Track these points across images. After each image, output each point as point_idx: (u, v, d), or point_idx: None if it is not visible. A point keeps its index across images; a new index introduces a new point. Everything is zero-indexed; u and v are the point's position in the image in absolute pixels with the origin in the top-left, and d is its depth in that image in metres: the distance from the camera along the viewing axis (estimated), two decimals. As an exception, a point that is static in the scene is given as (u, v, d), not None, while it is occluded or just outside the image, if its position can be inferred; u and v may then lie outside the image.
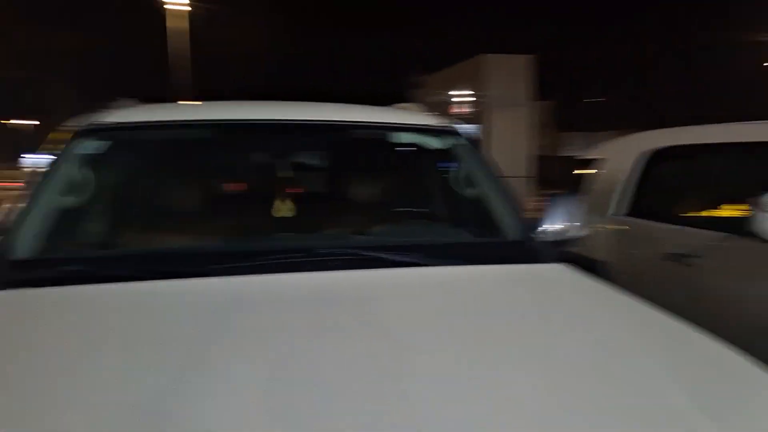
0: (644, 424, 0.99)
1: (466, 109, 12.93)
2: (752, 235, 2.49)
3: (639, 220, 3.56)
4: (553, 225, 2.05)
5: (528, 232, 1.95)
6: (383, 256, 1.64)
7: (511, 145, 11.70)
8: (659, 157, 3.71)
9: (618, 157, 4.00)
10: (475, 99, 12.75)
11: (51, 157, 1.90)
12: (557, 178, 6.99)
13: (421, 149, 2.31)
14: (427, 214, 2.30)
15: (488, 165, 2.22)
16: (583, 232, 2.16)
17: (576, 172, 4.56)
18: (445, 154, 2.28)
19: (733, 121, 3.45)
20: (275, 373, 1.04)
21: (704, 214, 3.31)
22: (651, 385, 1.09)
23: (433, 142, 2.27)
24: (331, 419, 0.92)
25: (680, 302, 2.30)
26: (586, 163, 4.50)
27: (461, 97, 13.69)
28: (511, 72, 12.36)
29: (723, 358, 1.23)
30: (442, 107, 12.95)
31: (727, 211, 3.21)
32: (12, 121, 44.73)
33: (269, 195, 2.08)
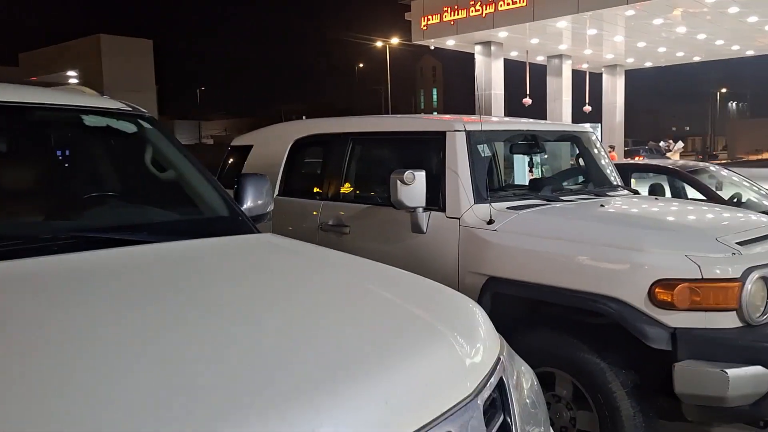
0: (399, 322, 1.40)
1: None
2: (391, 205, 3.19)
3: (295, 199, 4.08)
4: (246, 203, 2.32)
5: (232, 209, 2.18)
6: (120, 236, 1.68)
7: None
8: (301, 145, 4.31)
9: (271, 145, 4.46)
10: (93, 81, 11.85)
11: None
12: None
13: (112, 133, 2.28)
14: (124, 196, 2.30)
15: (182, 148, 2.34)
16: (270, 208, 2.49)
17: (229, 159, 4.88)
18: (137, 138, 2.31)
19: (343, 114, 4.26)
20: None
21: (344, 191, 4.01)
22: (385, 303, 1.50)
23: (123, 126, 2.27)
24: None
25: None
26: (237, 150, 4.86)
27: (78, 78, 12.55)
28: (134, 55, 11.88)
29: (412, 279, 1.72)
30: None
31: (349, 188, 3.95)
32: None
33: None
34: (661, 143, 31.27)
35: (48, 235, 1.67)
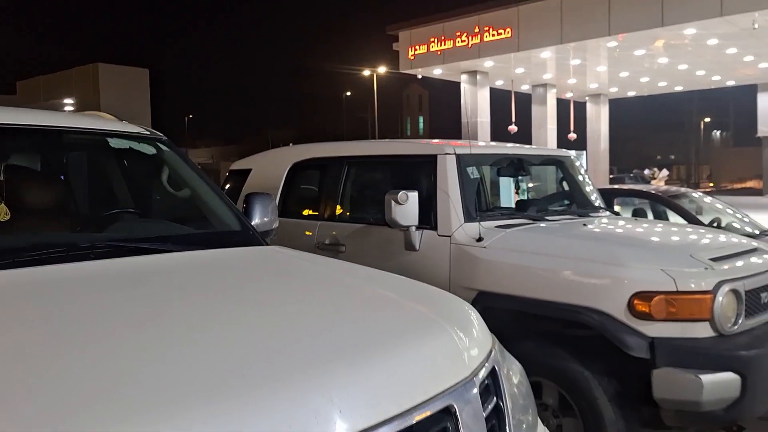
0: (404, 315, 1.58)
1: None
2: (385, 224, 3.36)
3: (292, 220, 4.24)
4: (254, 219, 2.49)
5: (243, 224, 2.34)
6: (151, 246, 1.87)
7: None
8: (298, 168, 4.49)
9: (269, 168, 4.64)
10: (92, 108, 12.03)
11: None
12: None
13: (133, 155, 2.46)
14: (147, 211, 2.47)
15: (197, 169, 2.52)
16: (276, 225, 2.66)
17: (229, 182, 5.06)
18: (156, 160, 2.48)
19: (330, 140, 4.47)
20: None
21: (339, 211, 4.18)
22: (391, 300, 1.67)
23: (144, 149, 2.45)
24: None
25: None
26: (236, 174, 5.04)
27: (74, 106, 12.73)
28: (130, 84, 12.10)
29: (413, 283, 1.89)
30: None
31: (345, 209, 4.13)
32: None
33: None
34: (646, 171, 31.79)
35: (86, 244, 1.84)
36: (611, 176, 28.19)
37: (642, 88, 24.40)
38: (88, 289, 1.54)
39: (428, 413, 1.23)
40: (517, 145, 4.37)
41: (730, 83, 23.72)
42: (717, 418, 2.71)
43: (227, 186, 5.02)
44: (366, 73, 39.36)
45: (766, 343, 2.81)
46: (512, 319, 3.13)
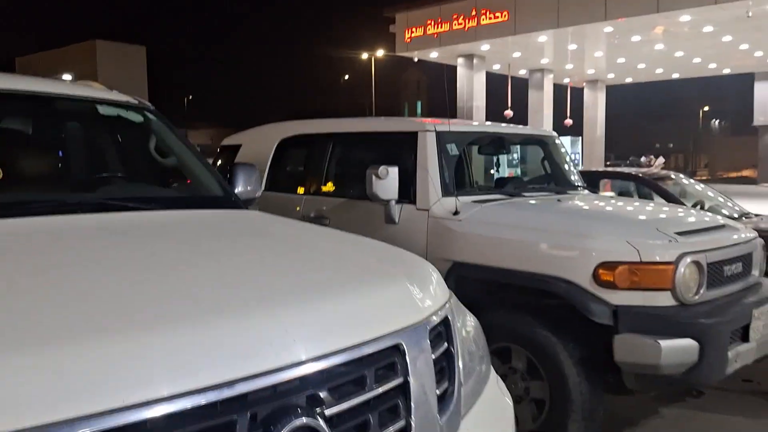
0: (365, 267, 1.71)
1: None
2: (367, 198, 3.48)
3: (280, 194, 4.35)
4: (237, 187, 2.61)
5: (226, 191, 2.46)
6: (136, 205, 2.01)
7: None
8: (286, 144, 4.59)
9: (258, 144, 4.74)
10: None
11: None
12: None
13: (121, 122, 2.57)
14: (134, 175, 2.59)
15: (183, 137, 2.63)
16: (259, 194, 2.77)
17: (220, 157, 5.16)
18: (143, 128, 2.59)
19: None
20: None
21: (324, 186, 4.29)
22: (355, 255, 1.80)
23: (132, 117, 2.55)
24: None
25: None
26: (227, 149, 5.15)
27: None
28: (128, 60, 12.12)
29: (379, 244, 2.01)
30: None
31: (330, 183, 4.24)
32: None
33: None
34: (642, 158, 31.93)
35: (74, 202, 1.98)
36: (608, 163, 28.30)
37: (639, 74, 24.44)
38: (75, 234, 1.66)
39: (378, 349, 1.35)
40: (499, 124, 4.47)
41: (726, 71, 23.77)
42: (675, 382, 2.85)
43: (218, 161, 5.13)
44: (364, 56, 39.24)
45: (726, 312, 2.94)
46: (485, 288, 3.26)
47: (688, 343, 2.76)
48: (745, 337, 3.02)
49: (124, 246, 1.60)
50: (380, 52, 34.19)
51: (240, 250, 1.71)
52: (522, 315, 3.08)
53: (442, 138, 3.68)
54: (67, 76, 11.97)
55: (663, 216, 3.49)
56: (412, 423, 1.38)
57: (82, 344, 1.01)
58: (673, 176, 7.13)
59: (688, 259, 2.89)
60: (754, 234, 3.55)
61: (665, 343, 2.73)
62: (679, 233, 3.05)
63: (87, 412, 0.93)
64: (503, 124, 4.37)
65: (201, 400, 1.04)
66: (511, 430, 1.77)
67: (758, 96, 24.56)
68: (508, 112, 20.01)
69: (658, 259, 2.86)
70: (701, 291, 2.94)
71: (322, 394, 1.22)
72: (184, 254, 1.58)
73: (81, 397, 0.94)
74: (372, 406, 1.31)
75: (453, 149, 3.74)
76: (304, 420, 1.13)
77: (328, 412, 1.20)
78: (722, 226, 3.43)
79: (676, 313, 2.84)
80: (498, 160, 4.74)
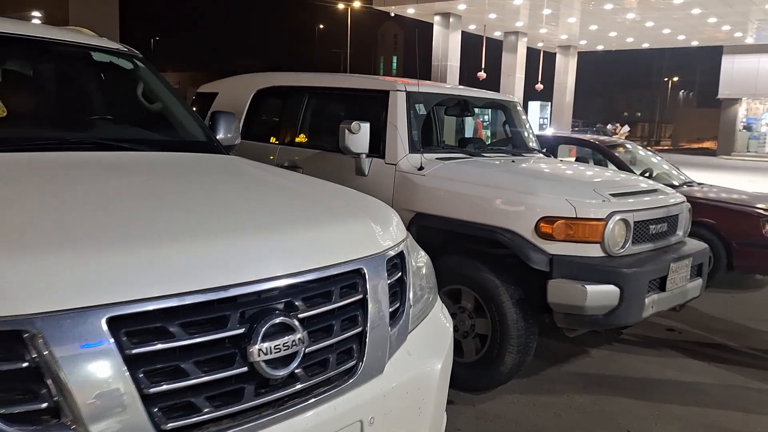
0: (331, 206, 2.03)
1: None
2: (339, 151, 3.79)
3: (255, 143, 4.62)
4: (219, 134, 2.88)
5: (208, 136, 2.74)
6: (130, 146, 2.26)
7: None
8: (262, 94, 4.84)
9: (235, 93, 4.97)
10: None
11: None
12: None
13: (112, 68, 2.79)
14: (123, 119, 2.84)
15: (169, 85, 2.88)
16: (238, 141, 3.05)
17: (196, 103, 5.36)
18: (132, 75, 2.83)
19: (297, 71, 4.82)
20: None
21: (298, 137, 4.57)
22: (325, 197, 2.12)
23: (123, 63, 2.78)
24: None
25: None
26: (203, 96, 5.35)
27: (42, 20, 12.50)
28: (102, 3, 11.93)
29: (345, 189, 2.33)
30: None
31: (304, 135, 4.53)
32: None
33: None
34: (608, 126, 32.67)
35: (74, 139, 2.23)
36: (575, 129, 28.91)
37: (611, 42, 24.81)
38: (78, 168, 1.93)
39: (343, 271, 1.69)
40: (466, 87, 4.79)
41: (695, 43, 24.31)
42: (598, 321, 3.30)
43: (194, 108, 5.34)
44: (340, 6, 38.59)
45: (646, 264, 3.39)
46: (442, 236, 3.64)
47: (610, 288, 3.20)
48: (662, 287, 3.49)
49: (128, 178, 1.89)
50: (357, 3, 33.72)
51: (228, 188, 2.01)
52: (472, 261, 3.48)
53: (411, 98, 3.98)
54: (36, 13, 11.70)
55: (602, 180, 3.90)
56: (367, 330, 1.73)
57: (121, 246, 1.33)
58: (628, 145, 7.59)
59: (617, 217, 3.31)
60: (683, 198, 4.00)
61: (590, 288, 3.16)
62: (613, 194, 3.46)
63: (118, 299, 1.23)
64: (470, 88, 4.69)
65: (202, 298, 1.35)
66: (448, 343, 2.14)
67: (725, 69, 25.23)
68: (482, 74, 20.21)
69: (591, 215, 3.27)
70: (627, 245, 3.38)
71: (297, 302, 1.54)
72: (180, 186, 1.89)
73: (116, 288, 1.24)
74: (336, 315, 1.66)
75: (421, 109, 4.05)
76: (281, 319, 1.46)
77: (300, 315, 1.52)
78: (654, 191, 3.86)
79: (603, 262, 3.28)
80: (463, 121, 5.06)
